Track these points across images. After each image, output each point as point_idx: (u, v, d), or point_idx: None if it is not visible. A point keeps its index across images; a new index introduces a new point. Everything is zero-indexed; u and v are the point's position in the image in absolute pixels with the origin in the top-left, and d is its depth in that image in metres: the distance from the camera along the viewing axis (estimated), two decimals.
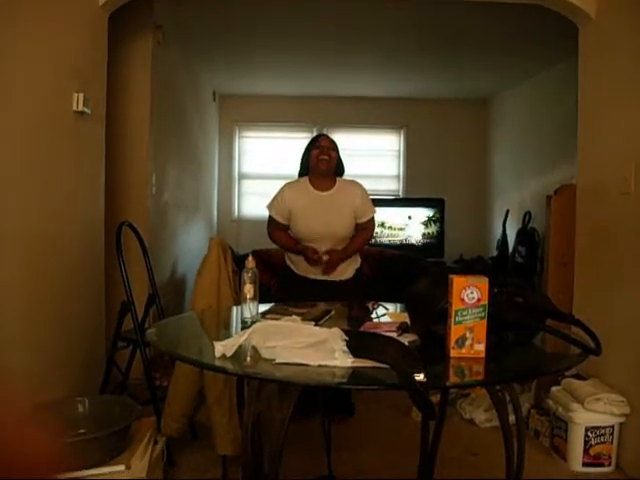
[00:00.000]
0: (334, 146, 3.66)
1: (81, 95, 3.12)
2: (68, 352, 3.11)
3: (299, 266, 3.62)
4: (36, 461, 0.63)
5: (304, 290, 3.49)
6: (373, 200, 3.70)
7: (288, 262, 3.70)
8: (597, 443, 3.18)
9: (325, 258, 3.50)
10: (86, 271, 3.39)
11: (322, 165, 3.58)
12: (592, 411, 3.16)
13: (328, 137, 3.81)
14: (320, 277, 3.56)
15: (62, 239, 3.06)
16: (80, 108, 3.12)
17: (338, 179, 3.67)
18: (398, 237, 7.67)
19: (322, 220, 3.52)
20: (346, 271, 3.63)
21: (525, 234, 6.39)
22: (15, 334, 2.61)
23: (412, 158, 8.39)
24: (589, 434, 3.18)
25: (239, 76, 7.33)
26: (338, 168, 3.70)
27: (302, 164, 3.72)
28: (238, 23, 5.15)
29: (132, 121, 4.42)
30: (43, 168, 2.86)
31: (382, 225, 7.41)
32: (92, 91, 3.30)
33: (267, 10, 4.81)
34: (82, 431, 2.57)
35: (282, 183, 3.73)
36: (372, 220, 3.70)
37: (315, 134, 7.24)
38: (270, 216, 3.65)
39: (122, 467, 2.46)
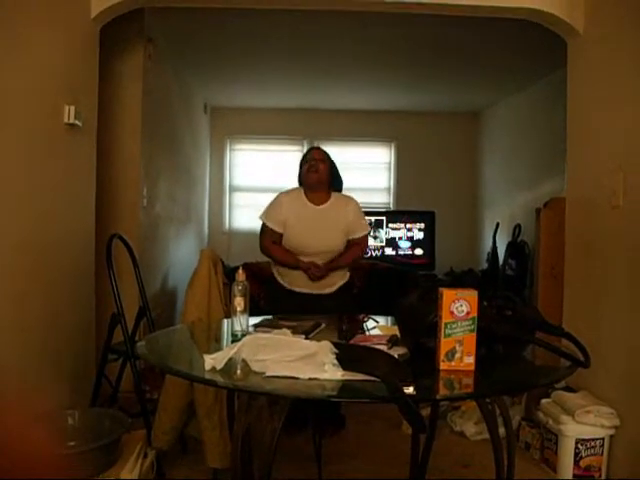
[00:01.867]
0: (324, 157, 3.64)
1: (72, 108, 3.13)
2: (58, 364, 3.10)
3: (286, 279, 3.61)
4: (41, 464, 0.63)
5: (291, 303, 3.49)
6: (364, 213, 3.71)
7: (276, 275, 3.68)
8: (587, 455, 3.19)
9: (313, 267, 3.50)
10: (76, 283, 3.38)
11: (311, 177, 3.57)
12: (582, 423, 3.16)
13: (320, 149, 3.79)
14: (307, 290, 3.55)
15: (52, 251, 3.06)
16: (71, 120, 3.13)
17: (333, 194, 3.65)
18: (388, 250, 7.68)
19: (315, 235, 3.51)
20: (333, 284, 3.61)
21: (515, 247, 6.42)
22: (4, 345, 2.59)
23: (403, 171, 8.42)
24: (579, 446, 3.18)
25: (230, 89, 7.35)
26: (334, 181, 3.69)
27: (298, 179, 3.72)
28: (229, 36, 5.17)
29: (123, 133, 4.43)
30: (33, 180, 2.86)
31: (373, 238, 7.43)
32: (83, 103, 3.31)
33: (259, 24, 4.83)
34: (72, 444, 2.56)
35: (273, 195, 3.70)
36: (365, 238, 3.69)
37: (306, 147, 7.29)
38: (264, 225, 3.59)
39: None
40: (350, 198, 3.69)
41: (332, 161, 3.71)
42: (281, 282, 3.65)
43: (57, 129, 3.09)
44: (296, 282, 3.57)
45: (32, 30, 2.81)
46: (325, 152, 3.73)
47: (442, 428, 3.74)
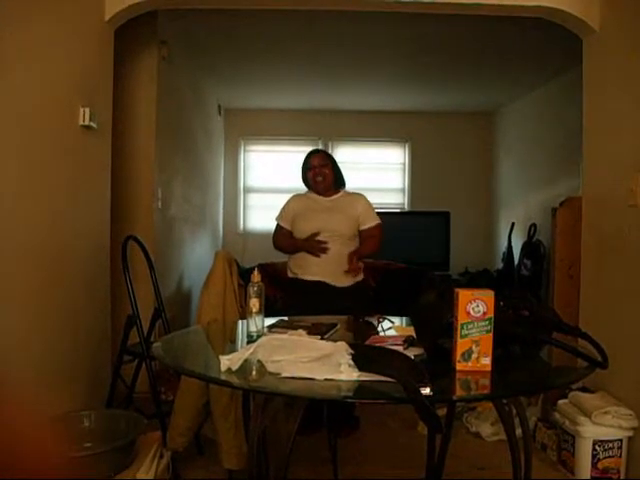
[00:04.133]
0: (326, 162, 3.75)
1: (87, 110, 3.14)
2: (74, 366, 3.11)
3: (300, 269, 3.61)
4: (53, 466, 0.63)
5: (309, 297, 3.49)
6: (378, 213, 3.72)
7: (290, 272, 3.70)
8: (605, 457, 3.16)
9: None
10: (92, 285, 3.39)
11: (318, 185, 3.71)
12: (600, 424, 3.14)
13: (318, 154, 3.87)
14: (322, 278, 3.55)
15: (68, 253, 3.07)
16: (86, 123, 3.15)
17: (342, 191, 3.77)
18: (403, 250, 7.65)
19: (325, 219, 3.59)
20: (345, 278, 3.59)
21: (530, 246, 6.38)
22: (21, 346, 2.61)
23: (417, 171, 8.40)
24: (597, 448, 3.16)
25: (244, 90, 7.36)
26: (338, 180, 3.77)
27: (304, 181, 3.82)
28: (243, 38, 5.18)
29: (138, 135, 4.45)
30: (49, 182, 2.88)
31: (387, 238, 7.40)
32: (98, 106, 3.32)
33: (272, 25, 4.84)
34: (88, 445, 2.57)
35: (287, 196, 3.85)
36: (378, 227, 3.71)
37: (320, 147, 7.27)
38: (277, 225, 3.75)
39: None
40: (359, 193, 3.79)
41: (333, 160, 3.82)
42: (296, 275, 3.64)
43: (72, 131, 3.11)
44: (311, 270, 3.57)
45: (47, 33, 2.83)
46: (325, 154, 3.87)
47: (458, 429, 3.73)
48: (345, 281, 3.58)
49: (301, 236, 3.59)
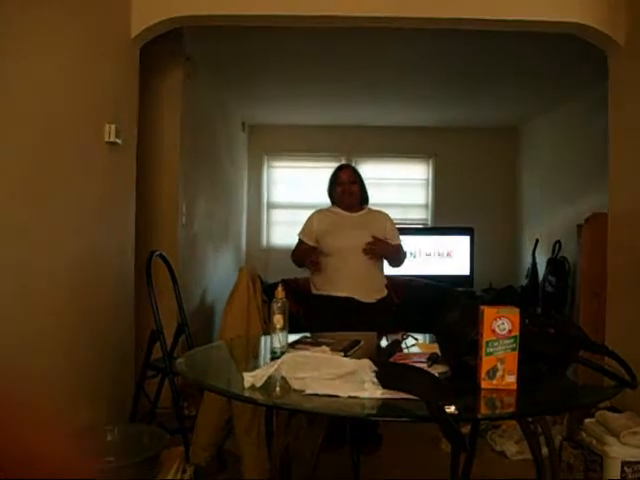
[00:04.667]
0: (354, 178, 3.76)
1: (113, 126, 3.18)
2: (98, 380, 3.13)
3: (325, 286, 3.59)
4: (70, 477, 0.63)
5: (338, 313, 3.48)
6: (402, 229, 3.74)
7: (315, 289, 3.67)
8: (635, 478, 3.09)
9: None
10: (117, 300, 3.42)
11: (346, 200, 3.71)
12: (629, 445, 3.07)
13: (348, 169, 3.89)
14: (350, 294, 3.53)
15: (93, 268, 3.10)
16: (112, 139, 3.18)
17: (366, 207, 3.78)
18: (426, 266, 7.61)
19: (353, 234, 3.57)
20: (372, 294, 3.60)
21: (555, 263, 6.33)
22: (45, 361, 2.63)
23: (441, 187, 8.37)
24: (626, 469, 3.09)
25: (268, 107, 7.40)
26: (363, 196, 3.79)
27: (329, 195, 3.81)
28: (267, 54, 5.21)
29: (162, 152, 4.48)
30: (75, 198, 2.91)
31: (411, 254, 7.38)
32: (124, 122, 3.36)
33: (295, 43, 4.86)
34: (110, 459, 2.58)
35: (310, 212, 3.83)
36: (401, 246, 3.73)
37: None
38: (299, 240, 3.73)
39: None
40: (383, 211, 3.82)
41: (360, 176, 3.82)
42: (323, 292, 3.61)
43: (98, 147, 3.14)
44: (340, 286, 3.55)
45: (74, 49, 2.88)
46: (354, 171, 3.85)
47: (482, 446, 3.68)
48: (372, 297, 3.59)
49: (330, 250, 3.57)
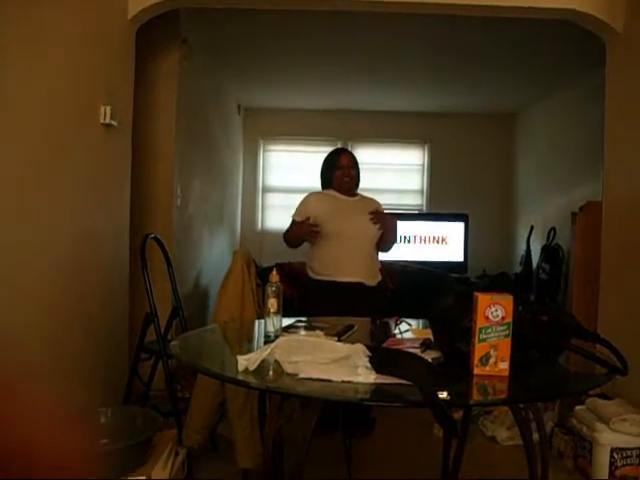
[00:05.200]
0: (353, 163, 3.76)
1: (108, 108, 3.16)
2: (91, 362, 3.13)
3: (326, 271, 3.56)
4: (74, 462, 0.63)
5: (328, 298, 3.48)
6: (397, 215, 3.74)
7: (314, 273, 3.63)
8: (623, 465, 3.12)
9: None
10: (111, 282, 3.41)
11: (345, 184, 3.70)
12: (618, 432, 3.10)
13: (347, 154, 3.89)
14: (358, 279, 3.53)
15: (87, 249, 3.09)
16: (107, 121, 3.16)
17: (359, 192, 3.79)
18: (420, 252, 7.62)
19: (355, 218, 3.57)
20: (374, 278, 3.61)
21: (549, 250, 6.34)
22: (38, 343, 2.63)
23: (436, 173, 8.37)
24: (615, 455, 3.12)
25: (264, 90, 7.37)
26: (358, 182, 3.80)
27: (324, 178, 3.78)
28: (263, 38, 5.19)
29: (158, 134, 4.46)
30: (70, 180, 2.89)
31: (406, 240, 7.38)
32: (119, 104, 3.34)
33: (293, 25, 4.84)
34: (104, 442, 2.58)
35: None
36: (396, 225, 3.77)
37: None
38: (292, 221, 3.64)
39: (143, 478, 2.46)
40: (374, 198, 3.83)
41: (357, 161, 3.81)
42: (325, 277, 3.57)
43: (93, 129, 3.13)
44: (345, 270, 3.53)
45: (70, 32, 2.85)
46: (353, 156, 3.85)
47: (473, 432, 3.70)
48: (374, 281, 3.61)
49: (329, 235, 3.52)
